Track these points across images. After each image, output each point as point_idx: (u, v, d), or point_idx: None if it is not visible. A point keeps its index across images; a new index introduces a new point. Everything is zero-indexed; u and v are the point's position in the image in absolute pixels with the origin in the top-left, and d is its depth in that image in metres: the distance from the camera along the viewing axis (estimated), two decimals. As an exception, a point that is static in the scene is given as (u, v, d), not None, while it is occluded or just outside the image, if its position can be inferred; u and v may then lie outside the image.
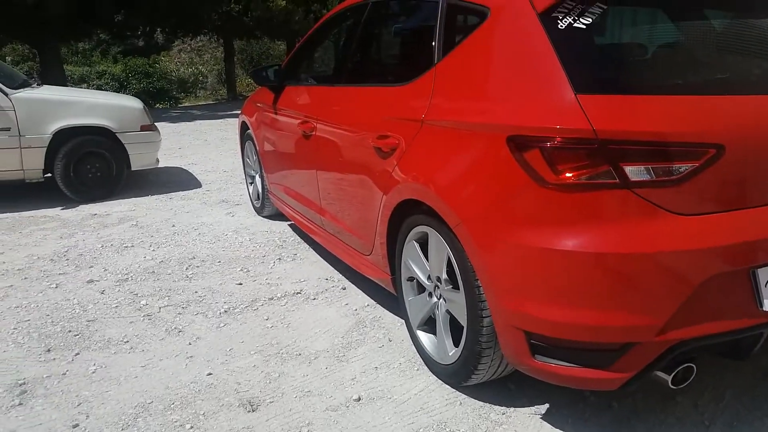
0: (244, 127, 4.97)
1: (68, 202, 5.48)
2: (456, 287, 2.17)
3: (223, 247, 4.13)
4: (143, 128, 5.73)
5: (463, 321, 2.16)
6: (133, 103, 5.83)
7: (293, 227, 4.55)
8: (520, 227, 1.83)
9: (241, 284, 3.42)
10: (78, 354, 2.67)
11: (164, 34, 21.94)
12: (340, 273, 3.54)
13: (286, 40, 24.98)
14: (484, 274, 1.96)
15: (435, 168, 2.18)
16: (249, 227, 4.59)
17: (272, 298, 3.22)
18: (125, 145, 5.64)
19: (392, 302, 3.00)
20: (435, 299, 2.38)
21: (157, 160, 5.97)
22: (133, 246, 4.19)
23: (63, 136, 5.41)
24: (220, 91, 25.44)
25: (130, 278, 3.54)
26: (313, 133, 3.25)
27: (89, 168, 5.58)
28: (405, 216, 2.45)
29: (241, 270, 3.65)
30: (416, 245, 2.43)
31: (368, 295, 3.19)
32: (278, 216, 4.70)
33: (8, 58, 25.28)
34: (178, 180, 6.45)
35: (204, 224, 4.72)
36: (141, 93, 21.58)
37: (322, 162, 3.21)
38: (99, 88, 21.36)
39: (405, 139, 2.38)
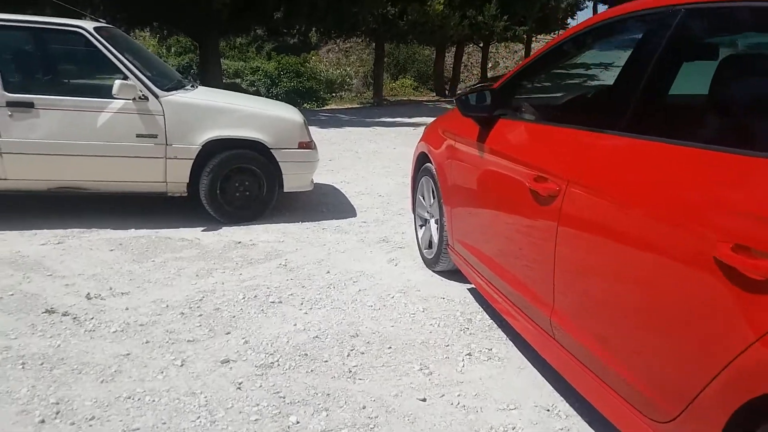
0: (422, 159, 3.98)
1: (210, 222, 4.80)
2: None
3: (391, 318, 3.15)
4: (301, 146, 4.93)
5: None
6: (293, 116, 5.05)
7: (475, 293, 3.49)
8: None
9: (425, 400, 2.40)
10: None
11: (318, 33, 21.88)
12: (567, 397, 2.43)
13: (436, 46, 24.15)
14: None
15: None
16: (419, 288, 3.59)
17: (473, 436, 2.18)
18: (279, 164, 4.87)
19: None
20: None
21: (312, 182, 5.15)
22: (281, 302, 3.32)
23: (212, 147, 4.73)
24: (365, 94, 25.11)
25: (276, 363, 2.65)
26: (556, 199, 2.17)
27: (237, 186, 4.87)
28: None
29: (421, 369, 2.64)
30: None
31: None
32: (454, 273, 3.67)
33: (172, 49, 26.57)
34: (331, 203, 5.62)
35: (364, 274, 3.79)
36: (291, 92, 21.69)
37: (570, 248, 2.11)
38: (252, 84, 21.72)
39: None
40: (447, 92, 23.58)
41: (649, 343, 1.75)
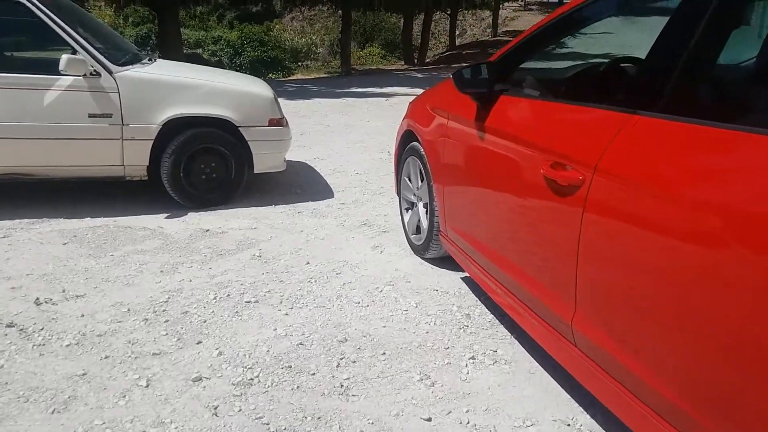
0: (407, 137, 3.64)
1: (174, 208, 4.41)
2: None
3: (382, 317, 2.85)
4: (272, 123, 4.53)
5: None
6: (262, 91, 4.63)
7: (471, 283, 3.21)
8: None
9: (430, 420, 2.11)
10: None
11: (282, 0, 21.11)
12: (587, 408, 2.16)
13: (404, 13, 23.57)
14: None
15: None
16: (409, 278, 3.29)
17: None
18: (249, 143, 4.47)
19: None
20: None
21: (284, 162, 4.77)
22: (257, 302, 2.99)
23: (174, 127, 4.31)
24: (332, 63, 24.46)
25: (256, 379, 2.32)
26: (580, 189, 1.86)
27: (203, 168, 4.47)
28: None
29: (421, 379, 2.35)
30: None
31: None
32: (445, 260, 3.38)
33: (129, 19, 25.43)
34: (305, 183, 5.25)
35: (347, 264, 3.47)
36: (255, 61, 20.94)
37: (600, 247, 1.81)
38: (214, 54, 20.89)
39: None
40: (416, 61, 23.11)
41: (695, 355, 1.48)
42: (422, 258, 3.55)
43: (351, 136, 7.54)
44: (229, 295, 3.06)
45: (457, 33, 29.58)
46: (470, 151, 2.70)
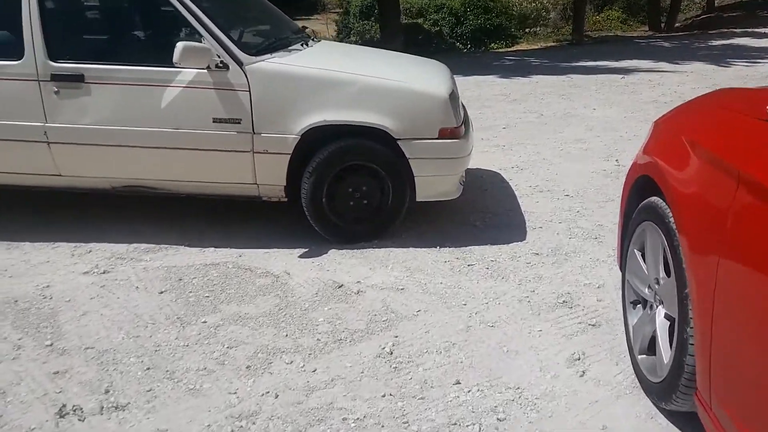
0: (643, 186, 2.15)
1: (316, 240, 3.40)
2: None
3: None
4: (444, 134, 3.26)
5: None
6: (434, 89, 3.34)
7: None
8: None
9: None
10: None
11: (511, -39, 19.34)
12: None
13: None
14: None
15: None
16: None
17: None
18: (410, 161, 3.27)
19: None
20: None
21: (460, 187, 3.47)
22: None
23: (316, 137, 3.26)
24: (563, 30, 22.07)
25: None
26: None
27: (351, 191, 3.37)
28: None
29: None
30: None
31: None
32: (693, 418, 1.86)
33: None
34: (491, 208, 3.91)
35: (520, 397, 2.13)
36: (477, 30, 19.57)
37: None
38: (435, 23, 19.89)
39: None
40: (663, 26, 19.77)
41: None
42: (657, 405, 2.06)
43: (568, 131, 5.93)
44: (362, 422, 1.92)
45: (719, -9, 24.98)
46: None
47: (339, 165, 3.30)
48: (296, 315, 2.69)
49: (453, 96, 3.38)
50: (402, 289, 2.91)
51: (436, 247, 3.34)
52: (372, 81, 3.25)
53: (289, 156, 3.26)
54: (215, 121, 3.23)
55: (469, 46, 18.61)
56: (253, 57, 3.24)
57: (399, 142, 3.22)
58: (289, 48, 3.57)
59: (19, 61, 3.25)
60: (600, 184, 4.37)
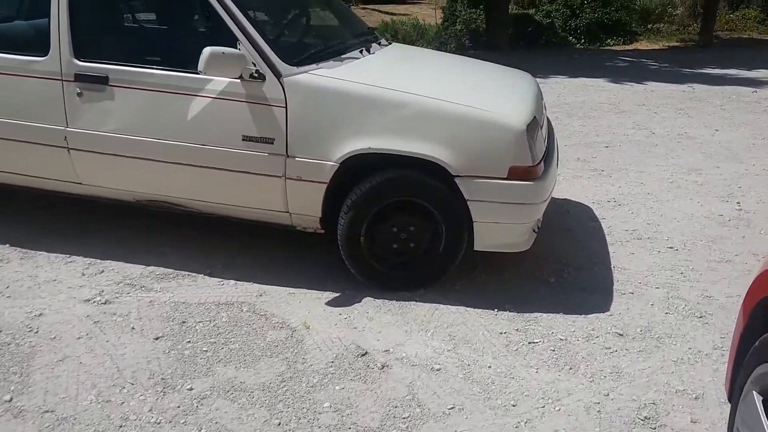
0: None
1: (351, 283, 2.88)
2: None
3: None
4: (514, 174, 2.61)
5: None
6: (508, 116, 2.66)
7: None
8: None
9: None
10: None
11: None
12: None
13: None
14: None
15: None
16: None
17: None
18: (469, 203, 2.65)
19: None
20: None
21: (531, 238, 2.82)
22: None
23: (358, 166, 2.72)
24: (690, 28, 20.18)
25: None
26: None
27: (396, 232, 2.81)
28: None
29: None
30: None
31: None
32: None
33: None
34: (571, 259, 3.22)
35: None
36: (593, 24, 18.23)
37: None
38: (547, 15, 18.72)
39: None
40: (811, 28, 17.55)
41: None
42: None
43: (682, 157, 5.05)
44: None
45: None
46: None
47: (383, 200, 2.75)
48: (299, 393, 2.19)
49: (533, 125, 2.72)
50: (438, 369, 2.33)
51: (493, 310, 2.72)
52: (428, 103, 2.65)
53: (326, 185, 2.74)
54: (245, 138, 2.77)
55: (582, 41, 17.34)
56: (294, 67, 2.73)
57: (456, 180, 2.62)
58: (343, 56, 3.03)
59: (44, 58, 2.94)
60: (714, 234, 3.55)
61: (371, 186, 2.71)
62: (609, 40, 17.31)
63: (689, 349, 2.47)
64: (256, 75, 2.70)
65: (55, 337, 2.48)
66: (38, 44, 2.95)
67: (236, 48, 2.68)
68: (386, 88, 2.70)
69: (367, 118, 2.65)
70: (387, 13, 20.71)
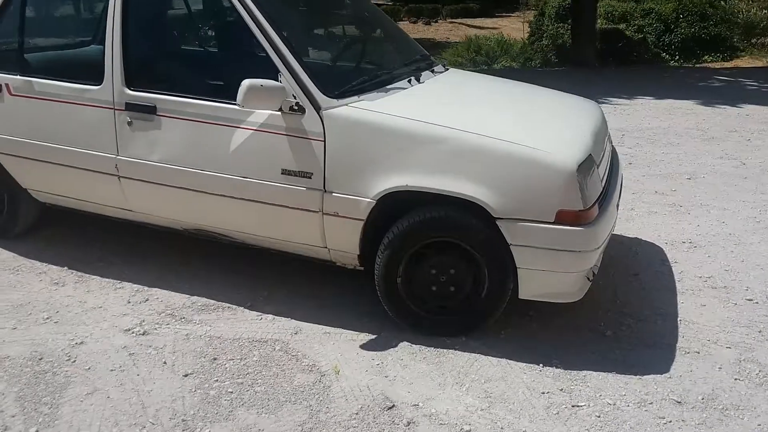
0: None
1: (387, 319, 2.76)
2: None
3: None
4: (562, 218, 2.41)
5: None
6: (558, 155, 2.44)
7: None
8: None
9: None
10: None
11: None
12: None
13: None
14: None
15: None
16: None
17: None
18: (512, 248, 2.47)
19: None
20: None
21: (583, 287, 2.59)
22: None
23: (397, 203, 2.60)
24: (801, 42, 18.75)
25: None
26: None
27: (435, 274, 2.66)
28: None
29: None
30: None
31: None
32: None
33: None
34: (627, 307, 2.95)
35: None
36: (689, 39, 17.29)
37: None
38: (639, 30, 17.93)
39: None
40: None
41: None
42: None
43: (774, 193, 4.60)
44: None
45: None
46: None
47: (421, 240, 2.61)
48: (317, 448, 2.08)
49: (586, 165, 2.50)
50: (468, 431, 2.16)
51: (538, 365, 2.52)
52: (469, 138, 2.49)
53: (363, 222, 2.64)
54: (284, 172, 2.72)
55: (677, 57, 16.45)
56: (335, 100, 2.65)
57: (498, 222, 2.45)
58: (389, 86, 2.92)
59: (98, 87, 3.01)
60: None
61: (408, 225, 2.59)
62: (706, 57, 16.37)
63: (759, 425, 2.17)
64: (296, 107, 2.64)
65: (89, 368, 2.50)
66: (94, 73, 3.03)
67: (278, 79, 2.64)
68: (425, 122, 2.57)
69: (404, 154, 2.53)
70: (474, 27, 20.49)
